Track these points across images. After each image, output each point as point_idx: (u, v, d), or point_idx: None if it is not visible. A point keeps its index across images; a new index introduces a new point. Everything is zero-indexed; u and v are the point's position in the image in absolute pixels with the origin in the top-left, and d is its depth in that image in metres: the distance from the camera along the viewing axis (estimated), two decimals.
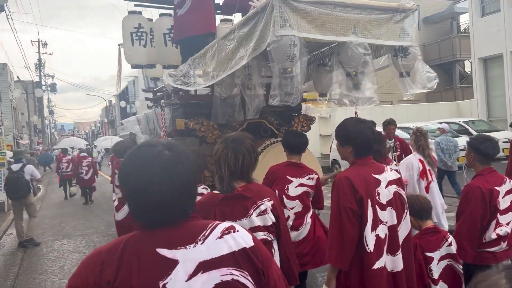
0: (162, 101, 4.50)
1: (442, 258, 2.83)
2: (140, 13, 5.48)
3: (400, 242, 2.53)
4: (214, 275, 1.15)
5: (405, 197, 2.69)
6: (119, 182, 1.24)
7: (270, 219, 2.26)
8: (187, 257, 1.15)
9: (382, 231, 2.49)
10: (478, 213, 3.03)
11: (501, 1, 16.10)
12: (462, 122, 14.38)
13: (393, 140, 6.54)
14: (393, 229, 2.68)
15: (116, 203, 5.09)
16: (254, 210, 2.25)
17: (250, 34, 3.33)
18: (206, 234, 1.20)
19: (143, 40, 5.42)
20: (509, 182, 3.18)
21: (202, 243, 1.18)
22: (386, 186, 2.56)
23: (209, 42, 5.31)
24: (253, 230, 2.09)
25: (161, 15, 5.61)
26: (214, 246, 1.18)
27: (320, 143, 15.23)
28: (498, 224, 3.11)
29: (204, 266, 1.15)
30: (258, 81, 3.62)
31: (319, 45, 4.28)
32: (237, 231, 1.25)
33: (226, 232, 1.22)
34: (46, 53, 44.43)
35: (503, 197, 3.12)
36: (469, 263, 3.03)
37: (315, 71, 4.74)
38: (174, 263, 1.13)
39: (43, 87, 38.74)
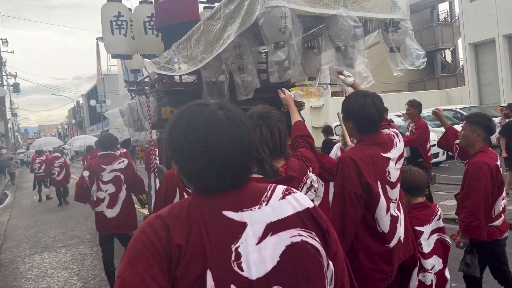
0: (146, 87, 4.34)
1: (432, 232, 2.82)
2: (119, 0, 5.29)
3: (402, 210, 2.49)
4: (284, 236, 1.10)
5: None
6: (171, 147, 1.15)
7: (315, 188, 2.20)
8: (254, 219, 1.10)
9: (393, 209, 2.43)
10: (489, 189, 3.05)
11: None
12: (459, 109, 14.17)
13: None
14: (399, 203, 2.64)
15: (106, 200, 4.78)
16: (301, 189, 2.13)
17: (237, 10, 3.21)
18: (268, 195, 1.15)
19: (123, 29, 5.23)
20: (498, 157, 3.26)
21: (266, 205, 1.13)
22: (396, 163, 2.50)
23: None
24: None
25: (141, 2, 5.43)
26: (279, 207, 1.14)
27: (313, 135, 15.05)
28: (502, 198, 3.19)
29: (272, 228, 1.10)
30: (250, 61, 3.49)
31: (307, 27, 4.20)
32: (296, 192, 1.20)
33: (286, 193, 1.18)
34: (7, 51, 41.15)
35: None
36: (484, 240, 3.07)
37: (304, 54, 4.64)
38: (242, 225, 1.08)
39: (5, 88, 37.09)
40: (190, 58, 4.24)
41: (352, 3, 3.16)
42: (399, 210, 2.49)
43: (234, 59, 3.56)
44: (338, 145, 3.93)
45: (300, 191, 2.04)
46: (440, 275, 2.76)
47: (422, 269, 2.71)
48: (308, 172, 2.20)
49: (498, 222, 3.17)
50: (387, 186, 2.42)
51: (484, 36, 16.10)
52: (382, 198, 2.34)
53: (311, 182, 2.19)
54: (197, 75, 4.84)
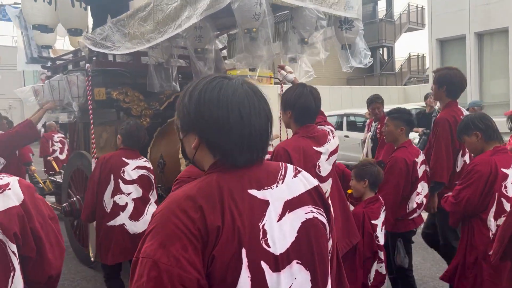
0: (88, 65, 3.94)
1: (382, 224, 2.98)
2: None
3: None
4: (299, 213, 1.16)
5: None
6: (198, 120, 1.13)
7: None
8: (275, 197, 1.14)
9: None
10: (401, 184, 3.25)
11: None
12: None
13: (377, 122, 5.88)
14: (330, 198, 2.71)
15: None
16: None
17: None
18: (283, 173, 1.20)
19: None
20: (422, 153, 3.49)
21: (282, 183, 1.17)
22: (327, 158, 2.58)
23: (129, 5, 4.88)
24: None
25: None
26: (293, 185, 1.19)
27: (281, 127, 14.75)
28: (417, 193, 3.39)
29: (290, 205, 1.15)
30: (212, 45, 3.39)
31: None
32: (302, 171, 1.26)
33: (297, 171, 1.24)
34: None
35: (419, 167, 3.42)
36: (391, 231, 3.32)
37: (250, 42, 4.63)
38: (266, 203, 1.11)
39: None
40: (134, 37, 3.97)
41: None
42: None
43: (192, 42, 3.42)
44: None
45: None
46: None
47: (379, 260, 2.89)
48: None
49: (415, 215, 3.39)
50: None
51: (453, 33, 14.76)
52: None
53: None
54: (134, 56, 4.56)
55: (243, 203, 1.08)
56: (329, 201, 2.48)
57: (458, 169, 3.47)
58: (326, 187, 2.56)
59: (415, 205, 3.35)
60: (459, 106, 3.61)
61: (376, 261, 2.88)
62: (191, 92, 1.16)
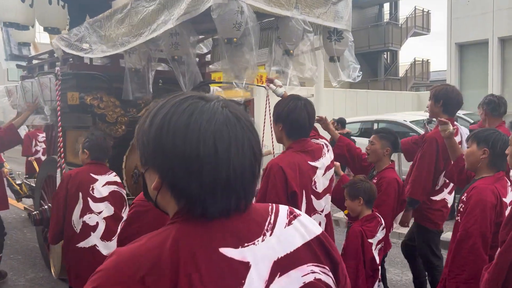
0: (57, 68, 3.70)
1: (378, 242, 2.86)
2: None
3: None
4: (294, 276, 0.88)
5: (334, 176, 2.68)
6: (157, 154, 0.86)
7: None
8: (259, 256, 0.85)
9: (317, 221, 2.41)
10: (394, 205, 3.14)
11: None
12: (463, 114, 11.19)
13: None
14: (329, 217, 2.65)
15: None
16: None
17: None
18: (272, 221, 0.91)
19: None
20: None
21: (270, 235, 0.89)
22: (324, 173, 2.49)
23: (109, 5, 4.63)
24: None
25: None
26: (285, 236, 0.90)
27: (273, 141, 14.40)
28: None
29: (280, 266, 0.87)
30: (189, 52, 3.16)
31: None
32: (300, 214, 0.97)
33: (291, 216, 0.95)
34: None
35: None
36: None
37: (232, 50, 4.42)
38: (245, 266, 0.83)
39: None
40: (109, 40, 3.74)
41: (304, 7, 3.05)
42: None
43: (169, 48, 3.19)
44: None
45: None
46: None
47: (378, 279, 2.79)
48: None
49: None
50: (312, 196, 2.40)
51: (475, 37, 13.86)
52: (304, 206, 2.32)
53: None
54: (112, 59, 4.31)
55: (211, 268, 0.80)
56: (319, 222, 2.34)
57: (437, 187, 3.40)
58: (323, 203, 2.47)
59: (395, 225, 3.36)
60: (455, 123, 3.47)
61: (377, 280, 2.79)
62: (153, 116, 0.89)
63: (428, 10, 26.75)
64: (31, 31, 5.52)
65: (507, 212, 2.21)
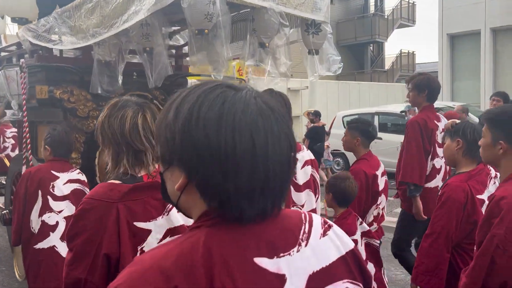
0: (22, 60, 3.52)
1: (363, 235, 2.82)
2: None
3: None
4: None
5: (317, 179, 2.72)
6: (187, 151, 0.76)
7: None
8: (294, 268, 0.77)
9: None
10: (363, 197, 3.09)
11: None
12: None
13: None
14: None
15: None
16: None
17: None
18: (307, 230, 0.83)
19: None
20: (382, 165, 3.37)
21: (306, 245, 0.81)
22: (302, 166, 2.54)
23: None
24: (172, 232, 1.49)
25: None
26: (321, 248, 0.82)
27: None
28: (376, 206, 3.25)
29: (315, 281, 0.79)
30: (161, 44, 3.02)
31: None
32: (333, 225, 0.89)
33: (326, 227, 0.87)
34: None
35: (380, 179, 3.25)
36: None
37: (203, 42, 4.30)
38: (280, 279, 0.75)
39: None
40: (79, 31, 3.58)
41: None
42: None
43: (139, 39, 3.05)
44: None
45: (171, 207, 1.58)
46: (378, 279, 2.77)
47: (382, 272, 2.80)
48: None
49: (372, 228, 3.20)
50: (291, 187, 2.40)
51: (466, 28, 13.51)
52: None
53: None
54: (83, 52, 4.13)
55: (245, 279, 0.73)
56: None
57: (427, 173, 3.37)
58: (302, 198, 2.49)
59: (371, 219, 3.21)
60: (435, 111, 3.55)
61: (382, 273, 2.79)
62: (178, 104, 0.78)
63: (414, 2, 26.93)
64: (0, 22, 5.30)
65: (484, 209, 2.17)
